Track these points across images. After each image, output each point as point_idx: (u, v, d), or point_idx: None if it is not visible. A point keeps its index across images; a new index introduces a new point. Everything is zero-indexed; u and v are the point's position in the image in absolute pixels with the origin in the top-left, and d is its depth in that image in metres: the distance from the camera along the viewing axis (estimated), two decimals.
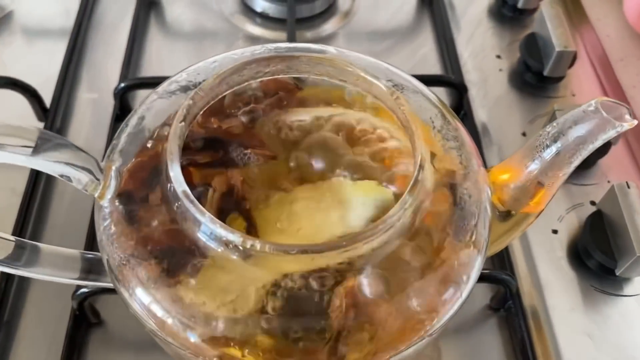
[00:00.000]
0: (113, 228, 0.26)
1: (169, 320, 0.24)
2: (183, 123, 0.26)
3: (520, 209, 0.30)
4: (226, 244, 0.23)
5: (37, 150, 0.23)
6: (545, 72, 0.50)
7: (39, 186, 0.45)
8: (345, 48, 0.33)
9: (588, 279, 0.41)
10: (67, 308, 0.38)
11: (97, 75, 0.53)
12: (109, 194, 0.26)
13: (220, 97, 0.28)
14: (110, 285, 0.32)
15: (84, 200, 0.44)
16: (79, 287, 0.36)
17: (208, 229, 0.23)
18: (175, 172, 0.24)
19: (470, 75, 0.52)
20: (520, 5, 0.55)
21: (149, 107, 0.29)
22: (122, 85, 0.47)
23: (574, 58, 0.49)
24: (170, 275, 0.24)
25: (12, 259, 0.29)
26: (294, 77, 0.34)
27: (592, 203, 0.44)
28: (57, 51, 0.53)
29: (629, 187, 0.40)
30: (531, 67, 0.51)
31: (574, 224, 0.43)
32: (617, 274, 0.40)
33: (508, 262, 0.41)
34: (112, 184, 0.26)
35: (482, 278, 0.38)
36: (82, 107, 0.50)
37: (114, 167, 0.26)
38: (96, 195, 0.26)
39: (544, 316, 0.40)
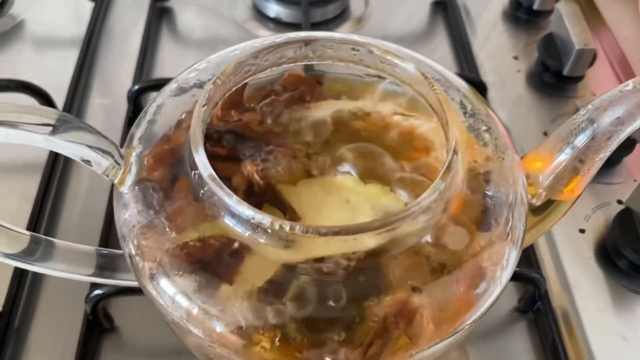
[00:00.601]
0: (134, 217, 0.24)
1: (195, 311, 0.23)
2: (206, 107, 0.25)
3: (555, 197, 0.29)
4: (255, 227, 0.22)
5: (56, 130, 0.22)
6: (565, 72, 0.49)
7: (50, 191, 0.44)
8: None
9: (619, 278, 0.40)
10: (80, 314, 0.37)
11: (109, 81, 0.52)
12: (130, 180, 0.25)
13: (242, 83, 0.28)
14: (124, 283, 0.31)
15: (95, 204, 0.43)
16: (92, 290, 0.35)
17: (236, 212, 0.22)
18: (200, 156, 0.23)
19: (488, 77, 0.51)
20: (535, 7, 0.55)
21: (169, 95, 0.28)
22: (136, 87, 0.46)
23: (593, 57, 0.49)
24: (196, 263, 0.23)
25: (27, 254, 0.28)
26: (315, 74, 0.33)
27: (619, 202, 0.43)
28: (69, 58, 0.52)
29: None
30: (550, 67, 0.50)
31: (601, 223, 0.42)
32: None
33: (535, 263, 0.39)
34: (133, 170, 0.25)
35: (511, 276, 0.37)
36: (94, 112, 0.49)
37: (134, 153, 0.25)
38: (116, 181, 0.25)
39: (575, 317, 0.38)
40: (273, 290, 0.22)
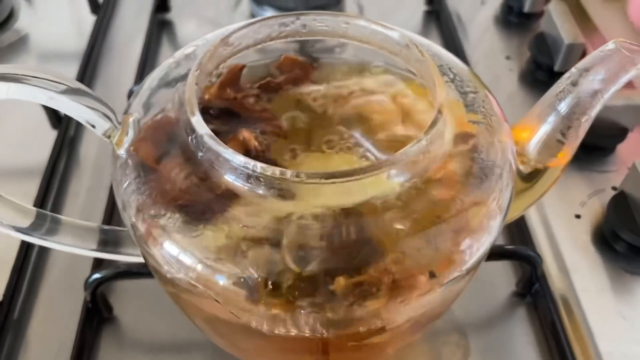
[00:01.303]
0: (132, 180, 0.25)
1: (199, 267, 0.23)
2: (199, 72, 0.26)
3: (545, 164, 0.29)
4: (250, 177, 0.22)
5: (63, 91, 0.23)
6: (556, 68, 0.50)
7: (50, 193, 0.44)
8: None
9: (617, 261, 0.40)
10: (79, 303, 0.37)
11: (110, 90, 0.53)
12: (127, 142, 0.25)
13: (238, 54, 0.29)
14: (126, 258, 0.31)
15: (95, 203, 0.43)
16: (91, 274, 0.35)
17: (233, 164, 0.22)
18: (196, 117, 0.24)
19: (481, 76, 0.52)
20: (526, 9, 0.56)
21: (167, 69, 0.29)
22: (135, 87, 0.47)
23: (583, 53, 0.50)
24: (198, 221, 0.23)
25: (33, 228, 0.29)
26: (310, 58, 0.34)
27: (614, 188, 0.43)
28: (71, 70, 0.53)
29: None
30: (541, 64, 0.51)
31: (597, 209, 0.42)
32: None
33: (532, 245, 0.39)
34: (130, 134, 0.26)
35: (507, 255, 0.38)
36: None
37: (131, 119, 0.26)
38: (114, 141, 0.25)
39: (574, 299, 0.38)
40: (271, 238, 0.22)
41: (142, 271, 0.35)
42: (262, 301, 0.23)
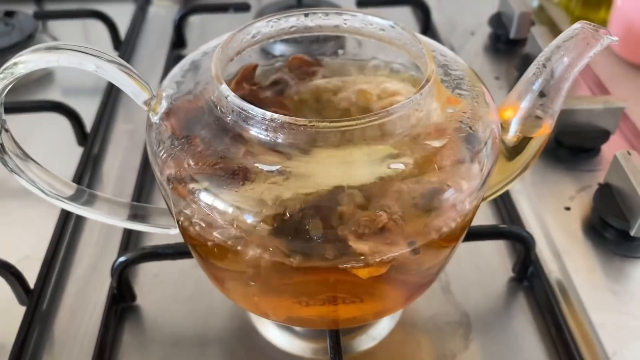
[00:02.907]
0: (167, 142, 0.29)
1: (230, 210, 0.27)
2: (222, 50, 0.30)
3: (530, 134, 0.32)
4: (272, 128, 0.26)
5: (109, 61, 0.27)
6: None
7: None
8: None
9: (605, 245, 0.42)
10: (103, 295, 0.40)
11: (133, 110, 0.57)
12: (161, 110, 0.29)
13: (254, 44, 0.33)
14: (153, 229, 0.34)
15: None
16: (117, 257, 0.38)
17: (259, 118, 0.26)
18: (223, 86, 0.28)
19: None
20: (512, 36, 0.61)
21: (198, 55, 0.33)
22: None
23: None
24: (229, 174, 0.27)
25: (73, 199, 0.32)
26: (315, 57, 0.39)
27: (600, 184, 0.47)
28: (93, 103, 0.57)
29: (629, 154, 0.43)
30: None
31: (585, 202, 0.46)
32: (632, 233, 0.41)
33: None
34: (164, 103, 0.30)
35: (501, 234, 0.41)
36: (118, 136, 0.55)
37: (164, 93, 0.30)
38: (150, 108, 0.29)
39: (566, 278, 0.41)
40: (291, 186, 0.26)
41: (167, 251, 0.38)
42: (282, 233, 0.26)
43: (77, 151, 0.52)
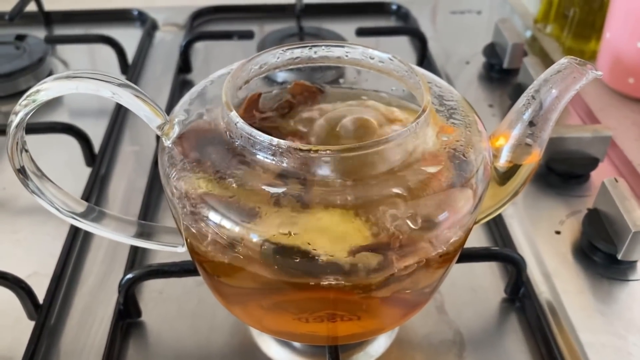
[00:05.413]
0: (179, 164, 0.30)
1: (237, 229, 0.28)
2: (231, 79, 0.32)
3: (520, 161, 0.34)
4: (278, 153, 0.28)
5: (124, 86, 0.29)
6: None
7: None
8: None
9: (594, 267, 0.44)
10: (110, 310, 0.41)
11: (139, 132, 0.59)
12: (173, 135, 0.31)
13: (261, 74, 0.35)
14: (158, 246, 0.36)
15: None
16: (125, 274, 0.40)
17: (264, 144, 0.28)
18: (232, 113, 0.30)
19: None
20: (505, 65, 0.64)
21: (205, 84, 0.35)
22: None
23: None
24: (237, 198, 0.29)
25: (84, 216, 0.34)
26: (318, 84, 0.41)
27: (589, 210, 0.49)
28: (101, 124, 0.59)
29: (617, 181, 0.45)
30: None
31: (575, 227, 0.47)
32: (619, 257, 0.43)
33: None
34: (176, 128, 0.31)
35: (494, 256, 0.42)
36: (125, 157, 0.56)
37: (176, 119, 0.32)
38: (163, 133, 0.31)
39: (556, 299, 0.42)
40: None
41: (173, 269, 0.40)
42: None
43: (85, 172, 0.53)
